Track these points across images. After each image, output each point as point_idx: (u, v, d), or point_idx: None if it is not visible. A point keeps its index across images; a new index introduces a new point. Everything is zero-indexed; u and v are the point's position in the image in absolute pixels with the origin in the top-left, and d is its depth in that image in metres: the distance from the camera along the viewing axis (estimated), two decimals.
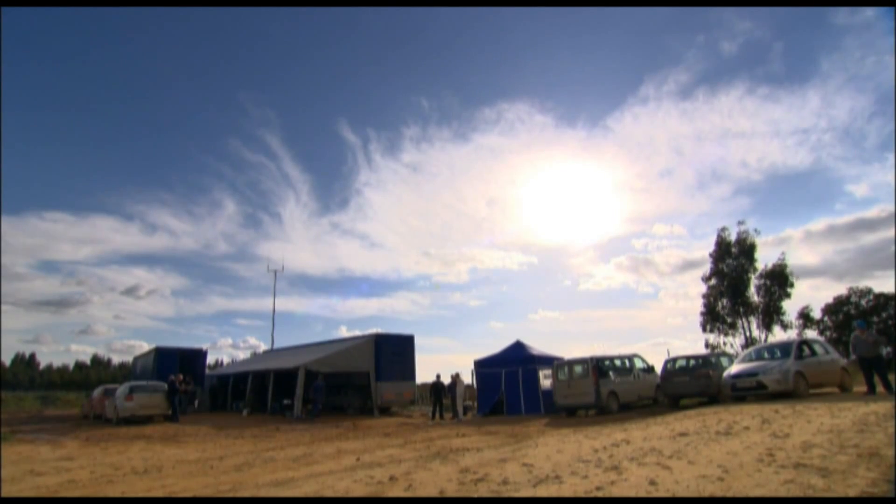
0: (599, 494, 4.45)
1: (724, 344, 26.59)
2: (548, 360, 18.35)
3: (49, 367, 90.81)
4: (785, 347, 13.14)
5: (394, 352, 20.73)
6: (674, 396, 14.77)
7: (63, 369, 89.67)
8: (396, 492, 5.31)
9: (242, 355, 72.46)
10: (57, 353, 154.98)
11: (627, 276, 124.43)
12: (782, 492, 3.80)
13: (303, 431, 13.19)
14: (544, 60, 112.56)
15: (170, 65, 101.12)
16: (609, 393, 14.97)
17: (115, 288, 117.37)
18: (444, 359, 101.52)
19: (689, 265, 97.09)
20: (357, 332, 27.96)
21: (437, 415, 18.27)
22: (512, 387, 18.20)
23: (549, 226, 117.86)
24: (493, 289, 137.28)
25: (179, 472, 7.16)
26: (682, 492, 4.15)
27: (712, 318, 26.90)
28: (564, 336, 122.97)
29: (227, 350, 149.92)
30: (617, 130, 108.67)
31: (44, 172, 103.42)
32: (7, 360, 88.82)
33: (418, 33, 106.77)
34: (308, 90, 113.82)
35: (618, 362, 16.38)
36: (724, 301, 26.63)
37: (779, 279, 25.50)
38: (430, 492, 5.27)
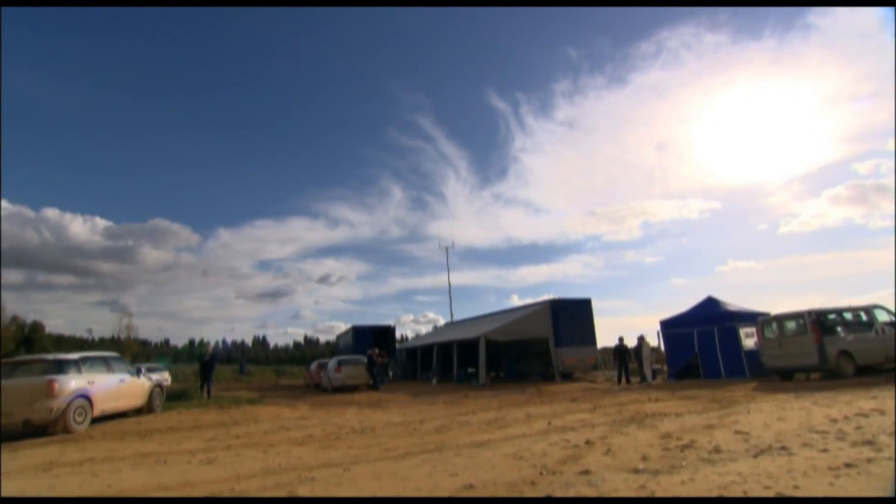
0: (851, 473, 3.70)
1: None
2: (749, 317, 16.13)
3: (276, 347, 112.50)
4: None
5: (571, 316, 20.36)
6: None
7: (285, 348, 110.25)
8: (595, 455, 5.19)
9: (424, 329, 79.31)
10: (279, 335, 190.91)
11: (850, 210, 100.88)
12: None
13: (490, 397, 13.84)
14: None
15: (325, 67, 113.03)
16: (839, 353, 12.45)
17: (312, 278, 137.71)
18: (623, 321, 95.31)
19: None
20: (529, 300, 28.14)
21: (624, 379, 17.52)
22: (707, 347, 16.47)
23: (734, 163, 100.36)
24: (671, 242, 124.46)
25: (389, 433, 8.10)
26: None
27: None
28: (765, 289, 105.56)
29: (409, 325, 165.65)
30: (823, 27, 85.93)
31: (251, 189, 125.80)
32: (249, 342, 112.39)
33: None
34: (451, 66, 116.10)
35: (848, 315, 13.49)
36: None
37: None
38: (632, 457, 5.03)
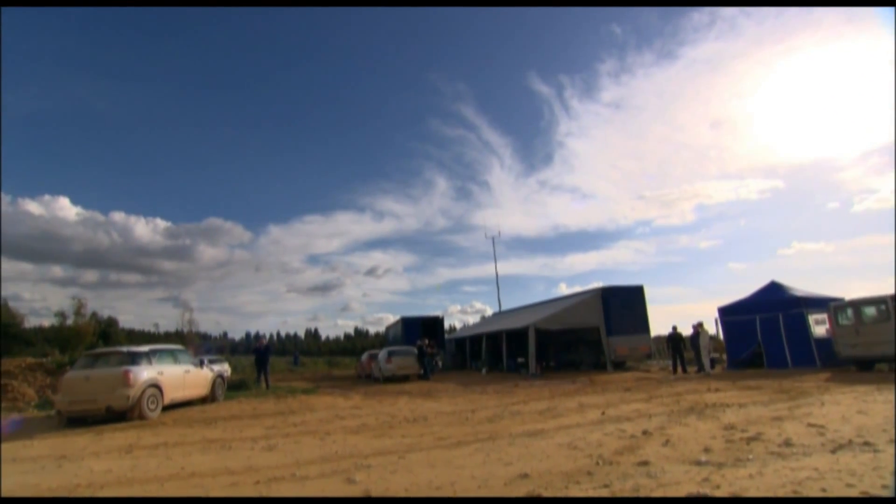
0: None
1: None
2: (819, 303, 15.08)
3: (327, 338, 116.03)
4: None
5: (623, 304, 19.78)
6: None
7: (336, 339, 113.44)
8: (653, 446, 5.01)
9: (471, 320, 79.22)
10: (330, 328, 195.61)
11: None
12: None
13: (541, 387, 13.69)
14: None
15: (365, 61, 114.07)
16: None
17: (360, 271, 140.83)
18: (677, 309, 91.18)
19: None
20: (578, 288, 27.54)
21: (680, 368, 16.86)
22: (771, 335, 15.56)
23: (798, 138, 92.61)
24: (728, 225, 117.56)
25: (441, 422, 8.15)
26: None
27: None
28: (836, 272, 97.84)
29: (456, 316, 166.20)
30: None
31: (298, 185, 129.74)
32: (301, 334, 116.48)
33: None
34: (491, 52, 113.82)
35: None
36: None
37: None
38: (693, 448, 4.82)
